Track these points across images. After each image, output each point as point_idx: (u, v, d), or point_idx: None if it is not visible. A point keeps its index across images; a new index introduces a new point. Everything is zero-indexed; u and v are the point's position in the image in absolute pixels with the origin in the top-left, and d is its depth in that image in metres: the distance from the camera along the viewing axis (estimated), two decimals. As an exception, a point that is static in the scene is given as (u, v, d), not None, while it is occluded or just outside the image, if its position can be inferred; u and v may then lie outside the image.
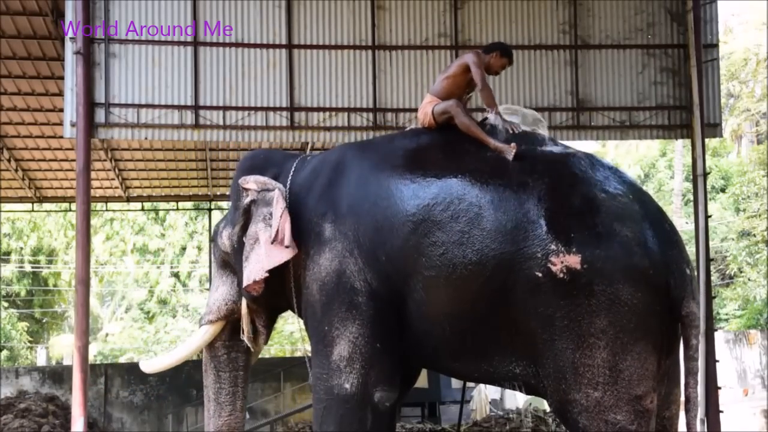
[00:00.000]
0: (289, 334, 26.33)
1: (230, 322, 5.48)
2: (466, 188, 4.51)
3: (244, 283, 5.05)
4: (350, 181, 4.96)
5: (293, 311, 5.36)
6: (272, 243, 4.89)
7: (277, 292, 5.16)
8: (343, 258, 4.79)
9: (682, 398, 4.56)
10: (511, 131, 4.84)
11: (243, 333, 5.37)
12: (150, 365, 6.19)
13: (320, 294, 4.88)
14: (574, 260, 4.19)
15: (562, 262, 4.19)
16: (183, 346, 5.80)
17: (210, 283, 5.96)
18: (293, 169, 5.31)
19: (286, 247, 4.87)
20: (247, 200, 5.14)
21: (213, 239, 5.66)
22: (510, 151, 4.64)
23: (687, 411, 4.43)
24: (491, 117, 4.98)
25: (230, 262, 5.45)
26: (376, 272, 4.71)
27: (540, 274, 4.23)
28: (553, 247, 4.22)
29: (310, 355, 5.22)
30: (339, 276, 4.79)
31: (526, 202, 4.37)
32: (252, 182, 5.15)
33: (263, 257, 4.93)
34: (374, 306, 4.73)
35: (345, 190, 4.95)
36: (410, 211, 4.59)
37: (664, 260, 4.30)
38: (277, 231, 4.88)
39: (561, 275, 4.19)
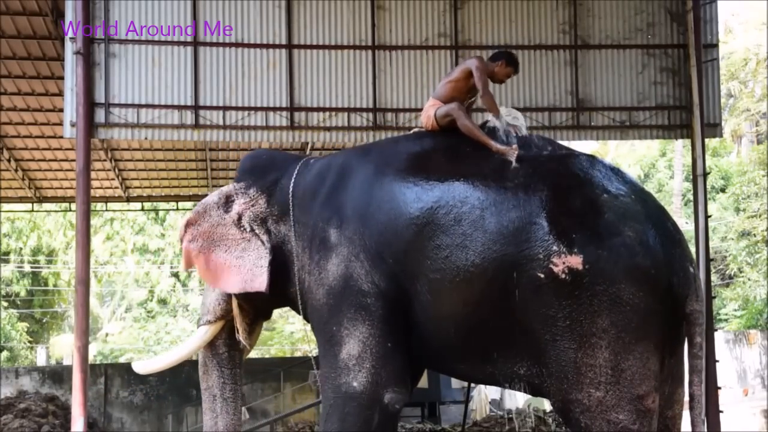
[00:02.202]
0: (289, 334, 26.35)
1: (228, 321, 5.52)
2: (468, 191, 4.53)
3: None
4: (354, 185, 4.97)
5: (295, 311, 5.38)
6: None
7: (279, 296, 5.20)
8: (349, 262, 4.80)
9: (686, 398, 4.56)
10: (513, 134, 4.87)
11: (237, 332, 5.42)
12: (145, 366, 6.17)
13: (327, 298, 4.89)
14: (575, 261, 4.20)
15: (563, 263, 4.21)
16: (182, 346, 5.81)
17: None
18: (296, 172, 5.31)
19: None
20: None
21: None
22: (512, 153, 4.67)
23: (691, 409, 4.45)
24: (492, 120, 5.00)
25: None
26: (384, 273, 4.73)
27: (542, 275, 4.25)
28: (555, 248, 4.25)
29: (314, 354, 5.22)
30: (346, 280, 4.80)
31: (528, 203, 4.39)
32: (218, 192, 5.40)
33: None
34: (383, 306, 4.73)
35: (349, 194, 4.96)
36: (414, 215, 4.61)
37: (666, 259, 4.31)
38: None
39: (563, 276, 4.21)
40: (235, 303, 5.38)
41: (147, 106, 10.21)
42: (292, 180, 5.26)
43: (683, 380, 4.57)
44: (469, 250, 4.41)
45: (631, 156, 29.73)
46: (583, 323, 4.20)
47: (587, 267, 4.20)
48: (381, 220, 4.74)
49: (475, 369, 4.74)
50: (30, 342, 27.46)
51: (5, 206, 19.96)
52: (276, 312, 5.50)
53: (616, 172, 4.70)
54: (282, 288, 5.16)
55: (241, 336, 5.42)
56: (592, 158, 4.75)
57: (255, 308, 5.47)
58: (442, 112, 5.10)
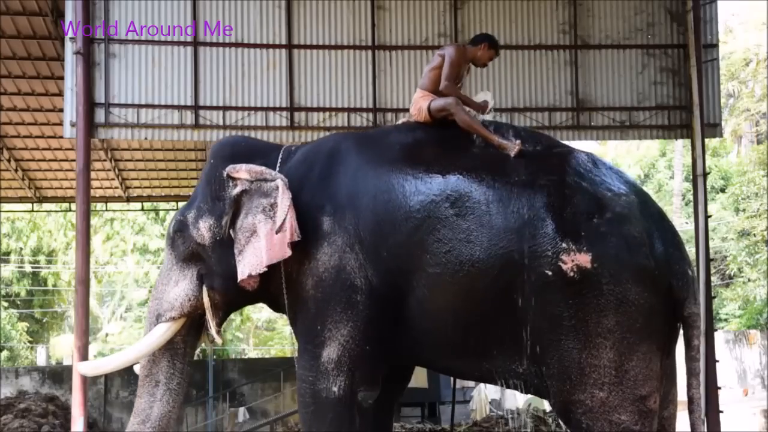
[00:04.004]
0: (290, 334, 26.30)
1: (191, 317, 5.16)
2: (472, 185, 4.46)
3: (239, 278, 4.76)
4: (348, 173, 4.80)
5: (271, 306, 5.18)
6: (276, 235, 4.64)
7: (258, 290, 4.95)
8: (343, 253, 4.63)
9: (679, 398, 4.56)
10: (510, 130, 4.82)
11: (211, 328, 5.10)
12: (94, 367, 5.87)
13: (316, 290, 4.70)
14: (584, 259, 4.17)
15: (572, 261, 4.18)
16: (139, 344, 5.29)
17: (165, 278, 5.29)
18: (280, 160, 5.06)
19: (292, 241, 4.65)
20: (236, 190, 4.85)
21: (179, 230, 5.18)
22: (513, 148, 4.61)
23: (691, 412, 4.42)
24: (481, 114, 4.98)
25: (201, 256, 5.09)
26: (378, 268, 4.59)
27: (550, 273, 4.20)
28: (564, 245, 4.20)
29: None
30: (338, 272, 4.64)
31: (533, 199, 4.35)
32: (244, 171, 4.84)
33: (263, 251, 4.68)
34: (371, 305, 4.60)
35: (343, 182, 4.79)
36: (414, 208, 4.51)
37: (667, 261, 4.31)
38: (282, 224, 4.62)
39: (571, 274, 4.17)
40: (206, 298, 5.06)
41: (147, 106, 10.22)
42: (277, 168, 4.99)
43: (676, 381, 4.55)
44: (474, 245, 4.33)
45: (631, 156, 29.76)
46: (589, 323, 4.17)
47: (596, 266, 4.16)
48: (378, 212, 4.60)
49: (471, 366, 4.65)
50: (30, 342, 27.45)
51: (5, 206, 19.96)
52: (276, 312, 5.32)
53: (615, 171, 4.69)
54: (264, 281, 4.86)
55: (214, 332, 5.12)
56: (592, 156, 4.71)
57: (228, 303, 5.17)
58: (437, 105, 4.98)
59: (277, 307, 5.11)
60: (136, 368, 5.48)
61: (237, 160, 4.97)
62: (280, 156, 5.10)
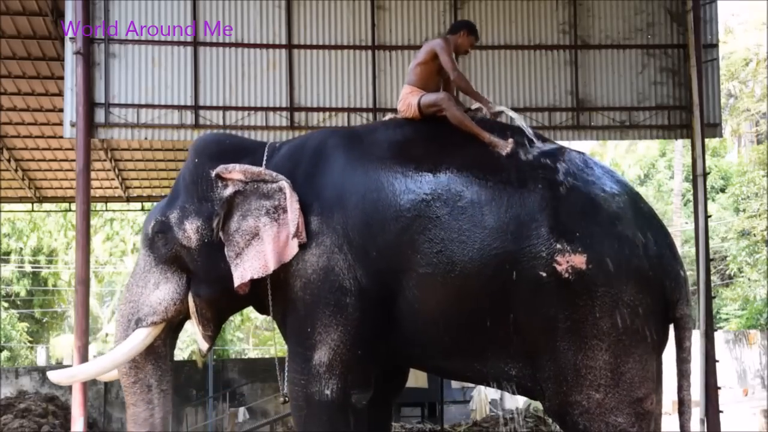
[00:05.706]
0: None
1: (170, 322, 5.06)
2: (464, 184, 4.40)
3: (237, 281, 4.68)
4: (335, 171, 4.71)
5: (256, 309, 5.09)
6: (283, 238, 4.58)
7: (248, 294, 4.86)
8: (331, 254, 4.55)
9: (670, 399, 4.54)
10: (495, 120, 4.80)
11: (199, 332, 5.02)
12: (70, 375, 5.62)
13: (304, 292, 4.61)
14: (579, 260, 4.14)
15: (567, 262, 4.14)
16: (117, 351, 5.05)
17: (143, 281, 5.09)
18: (265, 157, 4.94)
19: (300, 243, 4.59)
20: (228, 191, 4.75)
21: (160, 231, 5.00)
22: (506, 146, 4.57)
23: (681, 413, 4.41)
24: (480, 110, 4.94)
25: (185, 258, 4.95)
26: (367, 269, 4.51)
27: (544, 274, 4.17)
28: (558, 246, 4.16)
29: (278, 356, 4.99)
30: (326, 273, 4.55)
31: (527, 199, 4.30)
32: (238, 172, 4.74)
33: (269, 254, 4.60)
34: (361, 307, 4.52)
35: (330, 180, 4.70)
36: (404, 207, 4.44)
37: (660, 262, 4.29)
38: (297, 227, 4.55)
39: (566, 275, 4.14)
40: (191, 302, 4.96)
41: (147, 106, 10.21)
42: (263, 165, 4.89)
43: (662, 380, 4.51)
44: (467, 245, 4.28)
45: (631, 156, 29.73)
46: (585, 324, 4.14)
47: (590, 267, 4.13)
48: (366, 211, 4.52)
49: (462, 367, 4.60)
50: (30, 342, 27.45)
51: (5, 206, 19.97)
52: (261, 314, 5.20)
53: (607, 171, 4.67)
54: (253, 284, 4.77)
55: (201, 338, 5.05)
56: (584, 156, 4.68)
57: (217, 308, 5.05)
58: (428, 101, 4.91)
59: (262, 308, 5.02)
60: (105, 377, 5.37)
61: (224, 159, 4.87)
62: (266, 153, 4.99)
